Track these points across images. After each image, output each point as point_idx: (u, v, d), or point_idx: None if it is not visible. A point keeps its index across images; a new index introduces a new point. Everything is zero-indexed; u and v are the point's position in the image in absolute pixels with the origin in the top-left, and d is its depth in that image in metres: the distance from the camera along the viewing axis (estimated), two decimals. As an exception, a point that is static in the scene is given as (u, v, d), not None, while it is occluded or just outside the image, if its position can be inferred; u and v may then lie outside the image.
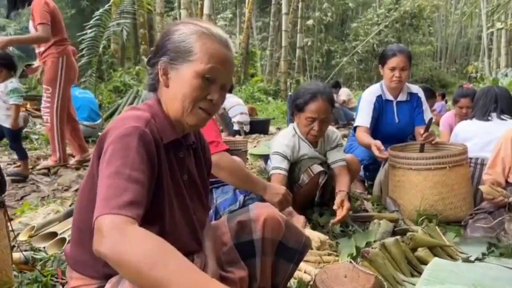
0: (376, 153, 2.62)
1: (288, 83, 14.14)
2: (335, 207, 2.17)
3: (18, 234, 1.92)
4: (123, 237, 0.77)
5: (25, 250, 1.79)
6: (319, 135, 2.35)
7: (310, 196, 2.42)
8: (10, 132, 3.31)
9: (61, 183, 3.30)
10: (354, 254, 1.86)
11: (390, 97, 3.00)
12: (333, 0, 22.39)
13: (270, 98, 12.48)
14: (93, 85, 7.83)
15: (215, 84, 1.05)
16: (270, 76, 15.92)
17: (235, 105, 6.61)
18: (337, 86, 8.90)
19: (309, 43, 21.58)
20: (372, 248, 1.79)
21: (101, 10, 7.72)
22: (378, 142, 2.64)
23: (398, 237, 1.93)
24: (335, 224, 2.18)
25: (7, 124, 3.26)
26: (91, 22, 7.64)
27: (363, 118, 2.95)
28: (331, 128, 2.51)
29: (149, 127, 0.98)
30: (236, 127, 6.51)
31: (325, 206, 2.47)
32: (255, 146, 5.42)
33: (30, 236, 1.92)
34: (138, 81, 8.74)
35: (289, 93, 4.95)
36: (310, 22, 21.02)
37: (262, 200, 1.88)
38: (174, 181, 1.07)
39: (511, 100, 2.67)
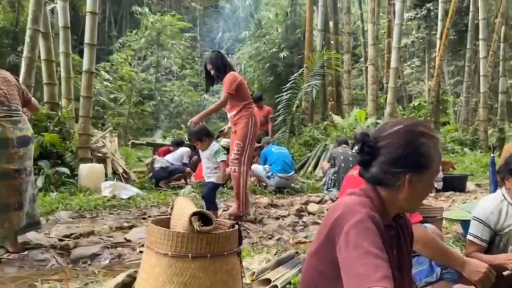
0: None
1: (489, 132, 12.55)
2: None
3: (243, 276, 2.40)
4: None
5: (248, 292, 2.22)
6: None
7: None
8: (213, 185, 4.05)
9: (266, 231, 3.84)
10: None
11: None
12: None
13: (466, 149, 11.31)
14: (286, 140, 8.76)
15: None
16: (466, 124, 14.45)
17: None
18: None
19: (515, 85, 18.76)
20: None
21: (295, 74, 8.72)
22: None
23: None
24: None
25: (213, 179, 3.99)
26: (287, 85, 8.69)
27: None
28: None
29: (375, 211, 1.19)
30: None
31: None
32: (449, 206, 5.06)
33: (252, 280, 2.37)
34: (325, 135, 9.31)
35: (492, 155, 4.50)
36: (515, 62, 18.37)
37: (461, 274, 1.84)
38: (388, 259, 1.20)
39: None
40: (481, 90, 12.17)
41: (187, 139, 8.71)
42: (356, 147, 1.35)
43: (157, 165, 6.37)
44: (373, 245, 1.06)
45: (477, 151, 11.08)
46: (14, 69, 8.82)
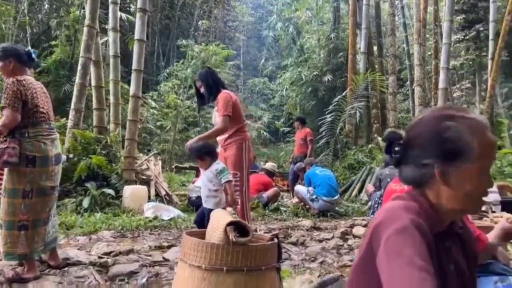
0: None
1: (552, 156, 11.56)
2: None
3: (282, 297, 2.24)
4: None
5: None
6: None
7: None
8: (210, 212, 2.89)
9: (308, 253, 3.64)
10: None
11: None
12: None
13: (526, 174, 10.45)
14: (330, 163, 8.53)
15: (489, 172, 1.07)
16: (524, 147, 13.44)
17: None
18: None
19: None
20: None
21: (338, 97, 8.58)
22: None
23: None
24: None
25: (211, 204, 3.24)
26: (330, 108, 8.55)
27: None
28: None
29: (422, 218, 1.02)
30: (483, 207, 5.72)
31: None
32: (512, 233, 4.60)
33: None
34: (371, 158, 8.99)
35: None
36: None
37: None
38: (441, 271, 1.05)
39: None
40: (541, 111, 11.32)
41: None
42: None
43: (192, 195, 6.12)
44: (418, 255, 0.91)
45: (539, 176, 10.18)
46: (68, 97, 9.37)
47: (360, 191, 7.86)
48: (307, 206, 6.25)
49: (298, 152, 8.09)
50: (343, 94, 8.55)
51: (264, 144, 17.90)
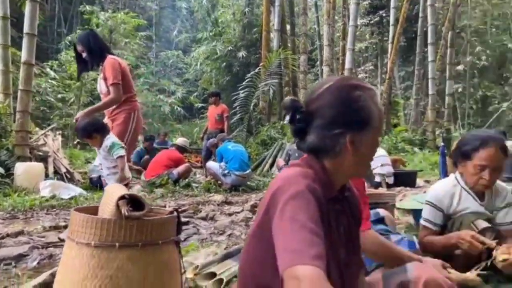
0: None
1: (437, 133, 13.10)
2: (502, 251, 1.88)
3: (185, 271, 2.19)
4: None
5: (190, 287, 2.03)
6: (489, 185, 2.09)
7: (471, 259, 2.15)
8: None
9: (217, 227, 3.65)
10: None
11: None
12: (488, 43, 20.41)
13: (416, 149, 11.72)
14: (243, 139, 8.63)
15: None
16: (416, 125, 15.02)
17: (377, 156, 6.42)
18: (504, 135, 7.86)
19: (460, 89, 19.81)
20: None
21: (252, 72, 8.63)
22: None
23: None
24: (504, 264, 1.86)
25: (113, 181, 3.10)
26: (243, 83, 8.58)
27: None
28: (500, 182, 2.24)
29: (317, 183, 1.04)
30: (378, 178, 6.28)
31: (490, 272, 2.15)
32: (401, 200, 5.10)
33: (195, 274, 2.17)
34: (282, 135, 9.28)
35: (442, 144, 4.60)
36: (460, 67, 19.43)
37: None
38: (331, 234, 1.09)
39: None
40: (430, 93, 12.69)
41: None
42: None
43: (93, 175, 5.64)
44: (311, 219, 0.94)
45: (425, 151, 11.49)
46: None
47: (271, 166, 8.11)
48: (220, 182, 6.26)
49: (212, 128, 8.03)
50: (257, 70, 8.62)
51: (178, 120, 17.48)
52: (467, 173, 2.12)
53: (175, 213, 1.71)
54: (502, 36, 19.82)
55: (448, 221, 2.18)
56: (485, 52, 19.97)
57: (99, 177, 4.93)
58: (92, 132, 3.08)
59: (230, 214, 4.19)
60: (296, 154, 6.22)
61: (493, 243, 1.90)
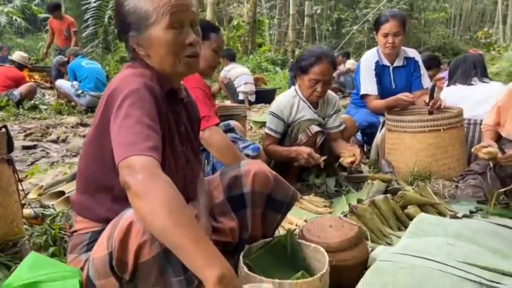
0: (405, 98, 2.64)
1: (297, 53, 13.99)
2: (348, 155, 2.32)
3: (28, 193, 2.05)
4: (155, 177, 0.87)
5: (35, 207, 1.91)
6: (322, 96, 2.42)
7: (304, 169, 2.49)
8: None
9: (70, 149, 3.42)
10: (346, 211, 1.96)
11: (386, 63, 2.99)
12: (343, -34, 21.70)
13: (277, 68, 12.38)
14: (100, 56, 7.87)
15: (184, 27, 1.09)
16: (278, 45, 15.71)
17: (240, 75, 6.62)
18: (347, 56, 8.78)
19: (318, 11, 21.07)
20: (362, 204, 1.88)
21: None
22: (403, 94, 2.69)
23: (388, 195, 2.01)
24: (351, 166, 2.33)
25: None
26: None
27: (371, 86, 2.93)
28: (330, 92, 2.57)
29: (153, 81, 1.06)
30: (241, 96, 6.55)
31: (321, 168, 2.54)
32: (260, 115, 5.48)
33: (39, 195, 2.04)
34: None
35: (291, 61, 4.96)
36: (319, -11, 20.47)
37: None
38: (170, 131, 1.14)
39: (485, 66, 2.99)
40: (290, 13, 13.21)
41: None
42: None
43: None
44: (147, 115, 0.97)
45: (286, 70, 12.25)
46: None
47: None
48: (73, 103, 5.73)
49: (62, 45, 7.14)
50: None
51: (20, 33, 14.92)
52: (304, 85, 2.39)
53: (4, 130, 1.54)
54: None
55: (289, 128, 2.45)
56: (340, -24, 21.25)
57: None
58: None
59: (84, 136, 3.94)
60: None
61: (321, 161, 2.24)
